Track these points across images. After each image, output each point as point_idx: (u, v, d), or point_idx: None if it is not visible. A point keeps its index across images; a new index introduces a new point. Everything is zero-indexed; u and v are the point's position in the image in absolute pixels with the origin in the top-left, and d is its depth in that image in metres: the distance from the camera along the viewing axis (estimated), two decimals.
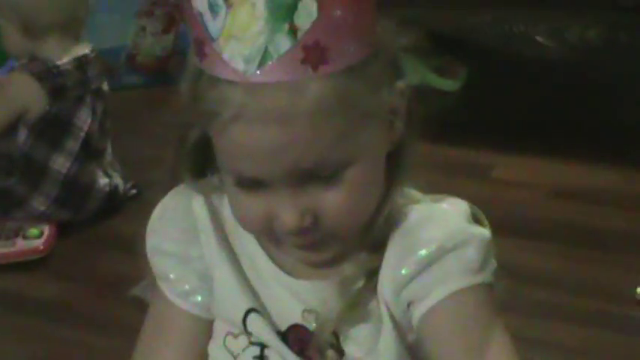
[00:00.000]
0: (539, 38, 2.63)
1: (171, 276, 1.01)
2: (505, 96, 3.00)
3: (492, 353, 0.92)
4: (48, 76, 2.25)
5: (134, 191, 2.39)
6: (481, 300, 0.92)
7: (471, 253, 0.91)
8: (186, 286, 1.00)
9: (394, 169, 0.95)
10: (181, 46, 3.24)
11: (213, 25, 0.84)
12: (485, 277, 0.92)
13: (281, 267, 0.97)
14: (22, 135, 2.27)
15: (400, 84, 0.92)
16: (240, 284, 0.97)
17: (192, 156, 0.97)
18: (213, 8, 0.83)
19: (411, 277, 0.92)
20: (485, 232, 0.94)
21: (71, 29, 2.32)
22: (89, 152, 2.32)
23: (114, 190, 2.35)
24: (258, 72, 0.82)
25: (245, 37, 0.82)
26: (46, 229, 2.22)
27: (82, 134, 2.30)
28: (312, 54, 0.82)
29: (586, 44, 2.55)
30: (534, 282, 1.93)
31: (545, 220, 2.25)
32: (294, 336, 0.95)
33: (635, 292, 1.90)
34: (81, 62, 2.31)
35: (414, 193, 0.98)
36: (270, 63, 0.82)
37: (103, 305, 1.91)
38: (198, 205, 0.99)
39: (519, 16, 2.58)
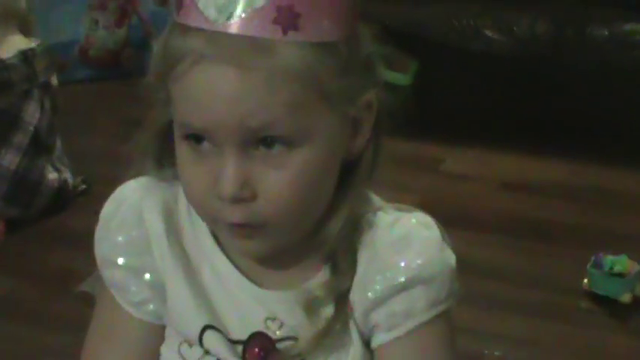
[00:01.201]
0: (487, 32, 2.62)
1: (122, 286, 0.97)
2: (454, 90, 3.02)
3: None
4: None
5: (84, 186, 2.35)
6: (441, 330, 0.94)
7: (441, 285, 0.92)
8: (138, 297, 0.97)
9: (351, 178, 0.93)
10: (134, 39, 3.22)
11: None
12: (449, 303, 0.93)
13: (246, 276, 0.94)
14: None
15: (368, 95, 0.90)
16: (196, 299, 0.94)
17: (156, 142, 0.95)
18: None
19: (382, 301, 0.92)
20: (453, 258, 0.94)
21: (12, 22, 2.29)
22: (38, 147, 2.28)
23: (63, 184, 2.31)
24: (228, 22, 0.83)
25: None
26: None
27: (31, 129, 2.26)
28: (285, 16, 0.83)
29: (535, 38, 2.56)
30: (484, 275, 1.94)
31: (493, 213, 2.25)
32: (254, 344, 0.92)
33: (582, 283, 1.91)
34: (26, 56, 2.27)
35: (377, 200, 0.97)
36: (241, 15, 0.83)
37: (52, 301, 1.88)
38: (149, 212, 0.96)
39: (468, 9, 2.58)
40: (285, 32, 0.83)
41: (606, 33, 2.49)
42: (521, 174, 2.43)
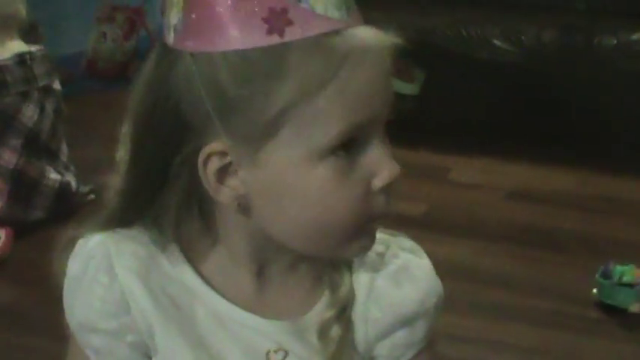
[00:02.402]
0: (495, 41, 2.62)
1: (103, 351, 0.92)
2: (461, 99, 3.01)
3: None
4: None
5: (92, 196, 2.35)
6: (434, 350, 0.97)
7: (438, 313, 0.95)
8: (115, 358, 0.92)
9: None
10: (142, 52, 3.22)
11: None
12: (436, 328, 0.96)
13: (245, 309, 0.92)
14: None
15: None
16: (194, 349, 0.91)
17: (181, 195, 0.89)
18: None
19: (385, 336, 0.94)
20: (441, 287, 0.96)
21: (12, 28, 2.30)
22: (37, 149, 2.29)
23: (65, 186, 2.31)
24: (349, 17, 0.83)
25: None
26: (3, 234, 2.17)
27: (27, 129, 2.27)
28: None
29: (542, 47, 2.56)
30: (492, 284, 1.93)
31: (501, 222, 2.24)
32: None
33: (592, 292, 1.89)
34: (23, 59, 2.28)
35: None
36: (353, 8, 0.84)
37: (59, 311, 1.86)
38: (122, 268, 0.90)
39: (475, 18, 2.58)
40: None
41: (614, 42, 2.48)
42: (529, 183, 2.43)
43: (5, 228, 2.19)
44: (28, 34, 2.39)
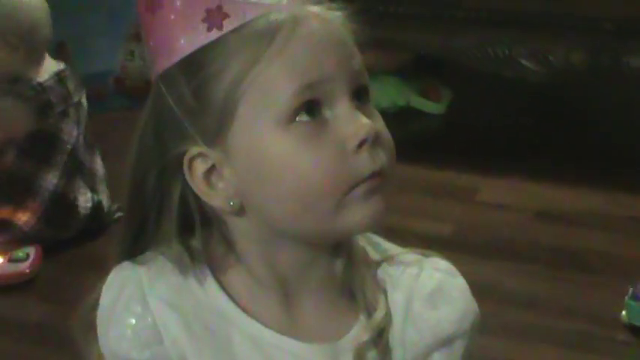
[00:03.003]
0: (523, 61, 2.62)
1: None
2: (489, 118, 3.00)
3: None
4: (34, 95, 2.23)
5: (120, 214, 2.34)
6: None
7: (475, 333, 0.95)
8: None
9: None
10: None
11: None
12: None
13: (281, 333, 0.92)
14: (10, 155, 2.24)
15: None
16: None
17: (177, 212, 0.91)
18: None
19: (423, 356, 0.94)
20: (477, 305, 0.96)
21: (44, 48, 2.31)
22: (75, 166, 2.29)
23: (97, 206, 2.32)
24: (287, 1, 0.88)
25: None
26: (32, 252, 2.18)
27: (69, 147, 2.27)
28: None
29: (570, 67, 2.55)
30: (520, 305, 1.93)
31: (529, 243, 2.23)
32: None
33: (620, 314, 1.88)
34: (60, 77, 2.29)
35: (390, 247, 0.98)
36: None
37: None
38: (155, 297, 0.91)
39: (503, 38, 2.58)
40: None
41: None
42: (557, 203, 2.41)
43: (35, 246, 2.20)
44: (57, 52, 2.41)
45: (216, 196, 0.89)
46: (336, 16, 0.89)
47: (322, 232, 0.89)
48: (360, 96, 0.88)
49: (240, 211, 0.89)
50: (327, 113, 0.86)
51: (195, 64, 0.87)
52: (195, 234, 0.92)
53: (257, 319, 0.91)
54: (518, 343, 1.82)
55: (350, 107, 0.86)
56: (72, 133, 2.29)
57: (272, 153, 0.86)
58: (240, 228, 0.91)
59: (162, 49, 0.90)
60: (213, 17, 0.86)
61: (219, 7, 0.86)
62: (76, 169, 2.29)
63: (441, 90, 3.04)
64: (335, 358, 0.91)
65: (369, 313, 0.92)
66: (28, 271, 2.14)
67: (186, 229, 0.92)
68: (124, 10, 3.18)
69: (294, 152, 0.86)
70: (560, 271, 2.10)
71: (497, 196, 2.47)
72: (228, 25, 0.86)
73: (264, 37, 0.85)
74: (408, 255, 0.97)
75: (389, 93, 2.81)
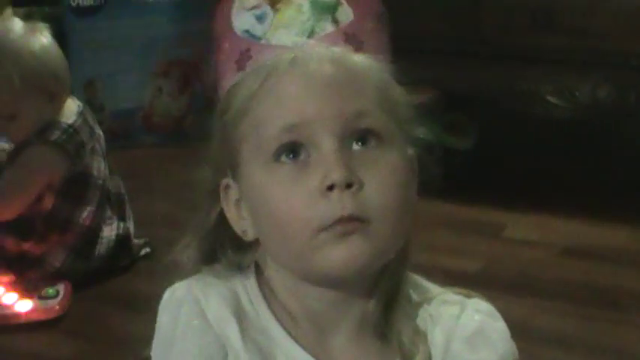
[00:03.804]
0: (549, 97, 2.62)
1: None
2: (515, 154, 3.00)
3: None
4: (68, 138, 2.23)
5: (147, 249, 2.36)
6: None
7: None
8: None
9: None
10: (196, 105, 3.26)
11: (260, 29, 0.90)
12: None
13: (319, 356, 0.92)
14: (49, 200, 2.25)
15: (410, 151, 0.93)
16: None
17: (219, 232, 0.95)
18: (260, 19, 0.90)
19: None
20: (516, 348, 0.95)
21: (67, 91, 2.31)
22: (106, 197, 2.31)
23: (125, 233, 2.32)
24: (307, 40, 0.89)
25: (293, 24, 0.89)
26: (62, 289, 2.18)
27: (100, 182, 2.29)
28: (352, 40, 0.90)
29: (596, 103, 2.55)
30: (549, 343, 1.91)
31: (558, 280, 2.22)
32: None
33: None
34: (84, 115, 2.30)
35: (422, 281, 0.98)
36: (316, 37, 0.89)
37: None
38: (216, 311, 0.92)
39: (529, 74, 2.58)
40: (356, 51, 0.89)
41: None
42: (585, 239, 2.41)
43: (64, 282, 2.20)
44: (85, 90, 2.42)
45: (240, 225, 0.94)
46: (326, 53, 0.89)
47: (306, 271, 0.90)
48: (365, 140, 0.88)
49: (257, 241, 0.94)
50: (312, 155, 0.87)
51: (223, 102, 0.92)
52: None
53: (307, 350, 0.92)
54: None
55: (330, 151, 0.86)
56: (100, 167, 2.30)
57: (260, 192, 0.90)
58: (270, 261, 0.94)
59: (218, 89, 0.94)
60: (242, 59, 0.90)
61: (248, 50, 0.90)
62: (105, 200, 2.31)
63: (468, 125, 3.04)
64: None
65: (405, 357, 0.92)
66: (57, 307, 2.14)
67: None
68: (151, 48, 3.21)
69: (274, 192, 0.88)
70: (589, 308, 2.09)
71: (525, 233, 2.47)
72: (249, 67, 0.90)
73: (261, 74, 0.88)
74: (450, 295, 0.97)
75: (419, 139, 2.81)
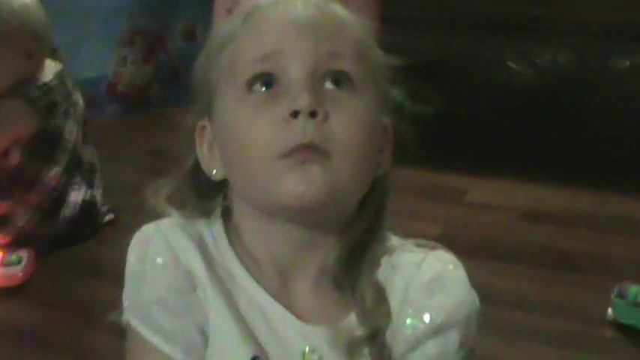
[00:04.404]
0: (510, 64, 2.64)
1: (169, 331, 0.93)
2: (478, 121, 3.02)
3: None
4: (41, 95, 2.23)
5: (111, 216, 2.35)
6: None
7: (472, 325, 0.94)
8: (187, 342, 0.93)
9: (376, 203, 0.95)
10: (162, 75, 3.24)
11: None
12: (473, 342, 0.95)
13: (282, 301, 0.94)
14: (15, 155, 2.23)
15: (385, 120, 0.95)
16: (241, 331, 0.93)
17: (194, 178, 0.97)
18: None
19: (417, 344, 0.93)
20: (477, 300, 0.95)
21: (47, 50, 2.32)
22: (75, 162, 2.30)
23: (90, 200, 2.32)
24: None
25: None
26: (25, 256, 2.17)
27: (70, 145, 2.28)
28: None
29: (557, 69, 2.57)
30: (507, 304, 1.92)
31: (518, 243, 2.24)
32: None
33: (607, 312, 1.89)
34: (61, 77, 2.30)
35: (395, 239, 0.98)
36: None
37: (82, 332, 1.87)
38: (186, 249, 0.94)
39: (492, 41, 2.59)
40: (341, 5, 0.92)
41: (627, 64, 2.49)
42: (544, 204, 2.43)
43: (27, 249, 2.19)
44: (50, 57, 2.40)
45: (210, 165, 0.96)
46: (335, 8, 0.91)
47: (266, 203, 0.91)
48: (338, 81, 0.90)
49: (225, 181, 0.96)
50: (283, 86, 0.89)
51: (206, 43, 0.96)
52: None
53: (268, 291, 0.94)
54: (508, 343, 1.82)
55: (299, 78, 0.88)
56: (72, 131, 2.29)
57: (230, 121, 0.91)
58: (237, 204, 0.96)
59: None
60: (233, 7, 0.97)
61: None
62: (75, 166, 2.30)
63: (430, 93, 3.05)
64: (331, 343, 0.92)
65: (364, 309, 0.93)
66: (21, 274, 2.13)
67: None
68: (116, 16, 3.19)
69: (243, 119, 0.90)
70: (548, 271, 2.11)
71: (486, 197, 2.49)
72: (235, 10, 0.94)
73: (243, 13, 0.91)
74: (413, 246, 0.98)
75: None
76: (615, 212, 2.37)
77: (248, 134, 0.90)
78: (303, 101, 0.87)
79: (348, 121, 0.89)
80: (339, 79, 0.90)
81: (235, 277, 0.94)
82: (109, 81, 3.24)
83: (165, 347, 0.93)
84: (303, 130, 0.87)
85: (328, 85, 0.89)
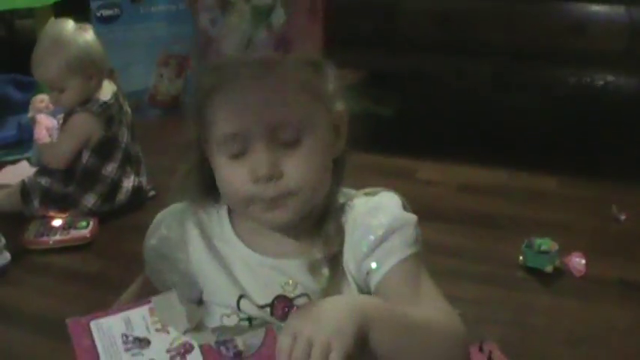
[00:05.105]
0: (447, 77, 2.64)
1: (158, 270, 0.99)
2: (425, 118, 3.02)
3: (426, 292, 0.93)
4: (101, 111, 2.23)
5: (153, 193, 2.36)
6: (416, 263, 0.94)
7: (409, 232, 0.93)
8: (169, 281, 0.97)
9: (337, 173, 0.95)
10: (189, 88, 3.23)
11: (213, 31, 0.86)
12: (418, 247, 0.94)
13: (261, 254, 0.95)
14: (85, 155, 2.25)
15: (340, 107, 0.93)
16: (229, 278, 0.95)
17: (196, 174, 0.96)
18: (213, 22, 0.86)
19: (368, 253, 0.92)
20: (414, 216, 0.95)
21: (105, 74, 2.32)
22: (127, 157, 2.30)
23: (138, 185, 2.33)
24: (244, 53, 0.85)
25: (235, 31, 0.85)
26: (92, 222, 2.19)
27: (123, 145, 2.29)
28: (281, 44, 0.85)
29: (478, 82, 2.56)
30: (447, 255, 1.93)
31: (454, 209, 2.24)
32: (279, 305, 0.93)
33: (519, 259, 1.91)
34: (116, 95, 2.30)
35: (350, 191, 0.98)
36: (252, 48, 0.85)
37: (135, 276, 1.88)
38: (190, 223, 0.97)
39: (433, 59, 2.57)
40: (286, 53, 0.85)
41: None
42: (474, 179, 2.43)
43: (93, 217, 2.21)
44: (107, 76, 2.40)
45: None
46: (278, 68, 0.86)
47: (247, 218, 0.94)
48: (288, 143, 0.88)
49: None
50: (248, 150, 0.88)
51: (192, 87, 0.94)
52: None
53: (252, 249, 0.95)
54: (446, 282, 1.79)
55: (260, 151, 0.87)
56: (124, 135, 2.30)
57: (214, 163, 0.92)
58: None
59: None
60: (204, 50, 0.89)
61: (209, 42, 0.87)
62: (126, 160, 2.30)
63: (389, 97, 3.05)
64: (302, 270, 0.93)
65: (326, 240, 0.93)
66: (88, 235, 2.15)
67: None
68: (155, 45, 3.19)
69: (221, 169, 0.91)
70: (474, 228, 2.11)
71: (432, 175, 2.48)
72: (208, 63, 0.89)
73: (213, 80, 0.87)
74: (366, 190, 0.98)
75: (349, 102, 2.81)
76: (525, 184, 2.36)
77: (225, 184, 0.91)
78: (262, 173, 0.87)
79: (301, 171, 0.88)
80: (289, 142, 0.88)
81: (230, 242, 0.96)
82: (150, 92, 3.23)
83: (155, 282, 0.99)
84: (265, 191, 0.88)
85: (280, 146, 0.88)
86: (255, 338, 0.82)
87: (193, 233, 0.97)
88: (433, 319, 0.88)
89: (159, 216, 1.01)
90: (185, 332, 0.83)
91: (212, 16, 0.86)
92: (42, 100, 2.33)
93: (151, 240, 1.00)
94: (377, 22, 2.57)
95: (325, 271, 0.92)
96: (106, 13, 3.05)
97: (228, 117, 0.88)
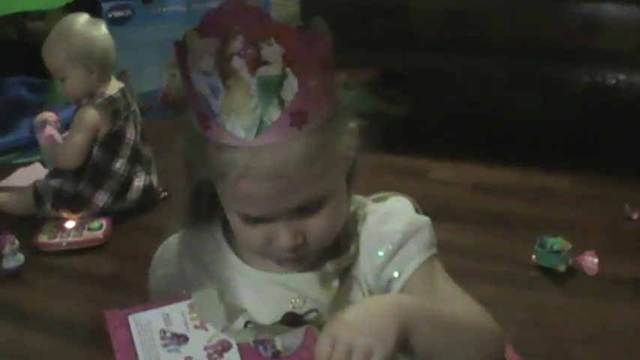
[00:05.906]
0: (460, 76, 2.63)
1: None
2: (440, 116, 3.01)
3: (451, 292, 0.93)
4: (106, 104, 2.26)
5: (165, 194, 2.38)
6: (435, 264, 0.94)
7: (425, 235, 0.92)
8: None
9: (348, 183, 0.93)
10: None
11: (215, 104, 0.80)
12: (434, 249, 0.93)
13: (270, 271, 0.93)
14: (94, 151, 2.27)
15: (352, 124, 0.90)
16: (234, 305, 0.92)
17: (187, 199, 0.93)
18: (214, 91, 0.80)
19: (387, 262, 0.91)
20: (427, 218, 0.94)
21: (112, 71, 2.35)
22: (135, 155, 2.32)
23: (149, 184, 2.35)
24: (256, 138, 0.79)
25: (243, 111, 0.78)
26: (105, 223, 2.21)
27: (131, 142, 2.31)
28: (297, 118, 0.79)
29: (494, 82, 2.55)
30: (460, 254, 1.93)
31: (467, 209, 2.25)
32: (289, 323, 0.91)
33: (532, 258, 1.91)
34: (124, 91, 2.32)
35: (359, 198, 0.96)
36: (265, 130, 0.79)
37: (145, 277, 1.89)
38: (185, 258, 0.96)
39: (446, 59, 2.57)
40: (300, 129, 0.79)
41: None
42: (487, 178, 2.42)
43: (106, 218, 2.23)
44: (119, 77, 2.43)
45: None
46: (271, 165, 0.80)
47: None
48: (304, 211, 0.85)
49: None
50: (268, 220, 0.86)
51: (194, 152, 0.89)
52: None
53: (257, 268, 0.94)
54: (459, 282, 1.81)
55: (282, 226, 0.85)
56: (132, 132, 2.32)
57: (228, 212, 0.90)
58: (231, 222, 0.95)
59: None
60: (203, 122, 0.83)
61: (207, 119, 0.81)
62: (136, 158, 2.32)
63: (402, 96, 3.04)
64: (313, 285, 0.92)
65: (340, 252, 0.92)
66: (101, 237, 2.16)
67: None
68: (167, 45, 3.18)
69: (237, 226, 0.88)
70: (488, 228, 2.11)
71: (444, 175, 2.48)
72: (210, 135, 0.82)
73: (221, 168, 0.82)
74: (374, 196, 0.97)
75: (362, 102, 2.81)
76: (538, 184, 2.36)
77: (242, 236, 0.89)
78: (282, 245, 0.86)
79: (324, 231, 0.87)
80: (311, 210, 0.85)
81: (234, 266, 0.94)
82: (162, 93, 3.25)
83: None
84: (287, 254, 0.88)
85: (302, 214, 0.86)
86: (294, 339, 0.82)
87: (192, 268, 0.95)
88: (469, 318, 0.88)
89: (157, 253, 1.00)
90: (224, 330, 0.83)
91: (211, 82, 0.79)
92: (51, 115, 2.38)
93: (152, 281, 1.00)
94: (389, 21, 2.58)
95: (335, 284, 0.91)
96: (118, 14, 3.07)
97: (247, 202, 0.84)
